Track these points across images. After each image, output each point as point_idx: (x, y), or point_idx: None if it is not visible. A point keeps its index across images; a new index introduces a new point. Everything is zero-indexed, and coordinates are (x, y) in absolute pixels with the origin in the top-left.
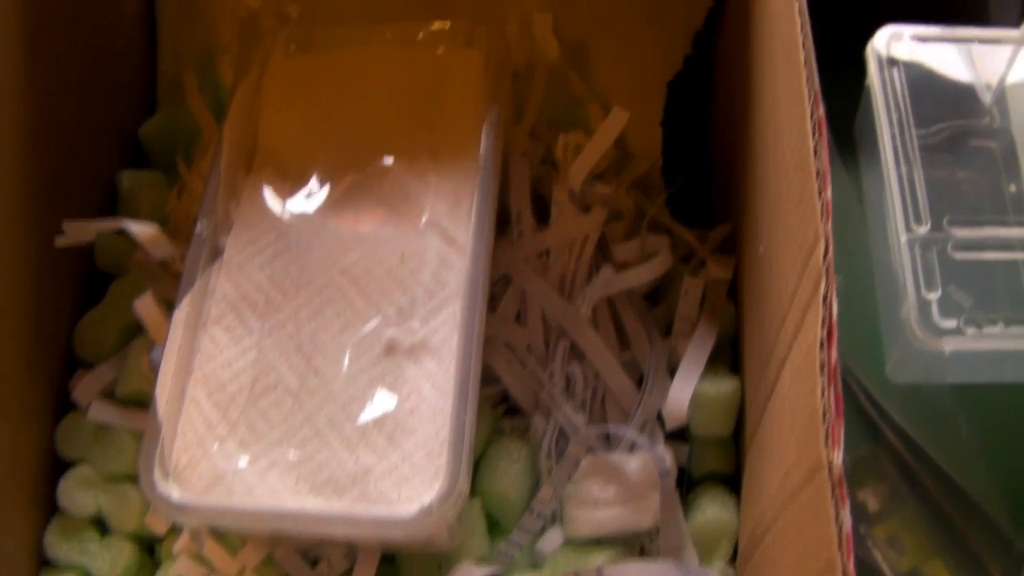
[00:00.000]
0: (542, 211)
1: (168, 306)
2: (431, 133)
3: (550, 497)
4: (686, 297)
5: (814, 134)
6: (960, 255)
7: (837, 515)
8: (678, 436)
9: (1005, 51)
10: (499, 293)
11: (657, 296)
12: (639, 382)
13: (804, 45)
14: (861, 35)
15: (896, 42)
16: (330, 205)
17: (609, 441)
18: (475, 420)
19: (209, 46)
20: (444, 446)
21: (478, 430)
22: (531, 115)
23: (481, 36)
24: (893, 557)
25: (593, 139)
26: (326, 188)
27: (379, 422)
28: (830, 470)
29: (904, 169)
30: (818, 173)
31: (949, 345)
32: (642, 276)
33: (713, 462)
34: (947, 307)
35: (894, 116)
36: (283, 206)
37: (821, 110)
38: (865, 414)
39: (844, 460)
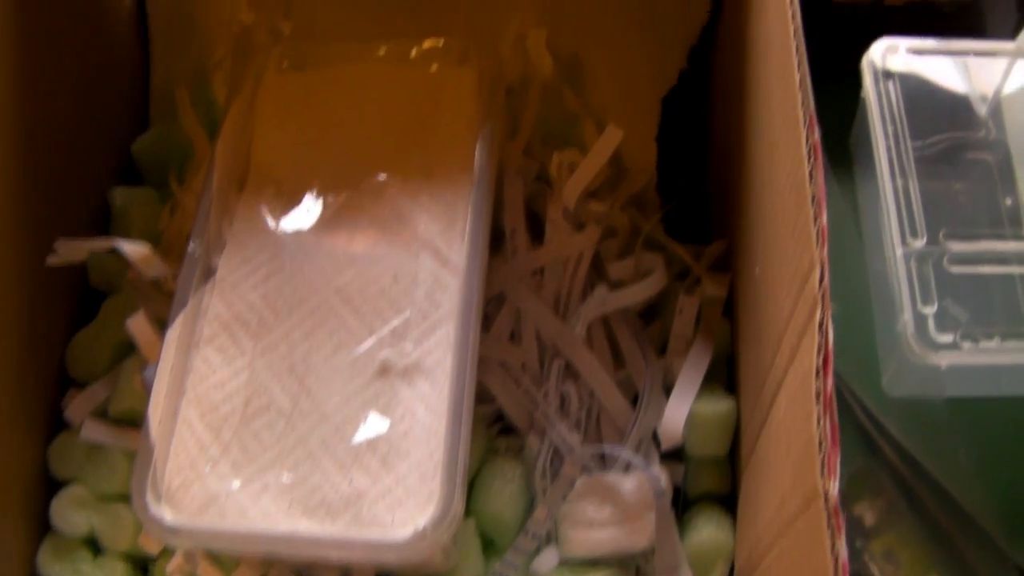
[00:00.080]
0: (536, 228)
1: (161, 324)
2: (425, 151)
3: (545, 517)
4: (681, 315)
5: (809, 159)
6: (956, 269)
7: (833, 545)
8: (673, 455)
9: (1001, 63)
10: (493, 311)
11: (652, 313)
12: (634, 401)
13: (799, 67)
14: (857, 47)
15: (892, 55)
16: (323, 224)
17: (604, 461)
18: (469, 442)
19: (202, 62)
20: (438, 469)
21: (472, 450)
22: (525, 131)
23: (475, 53)
24: (890, 571)
25: (587, 157)
26: (319, 207)
27: (372, 444)
28: (826, 499)
29: (900, 182)
30: (813, 199)
31: (945, 360)
32: (637, 295)
33: (709, 482)
34: (943, 321)
35: (890, 129)
36: (276, 225)
37: (816, 134)
38: (861, 428)
39: (840, 475)
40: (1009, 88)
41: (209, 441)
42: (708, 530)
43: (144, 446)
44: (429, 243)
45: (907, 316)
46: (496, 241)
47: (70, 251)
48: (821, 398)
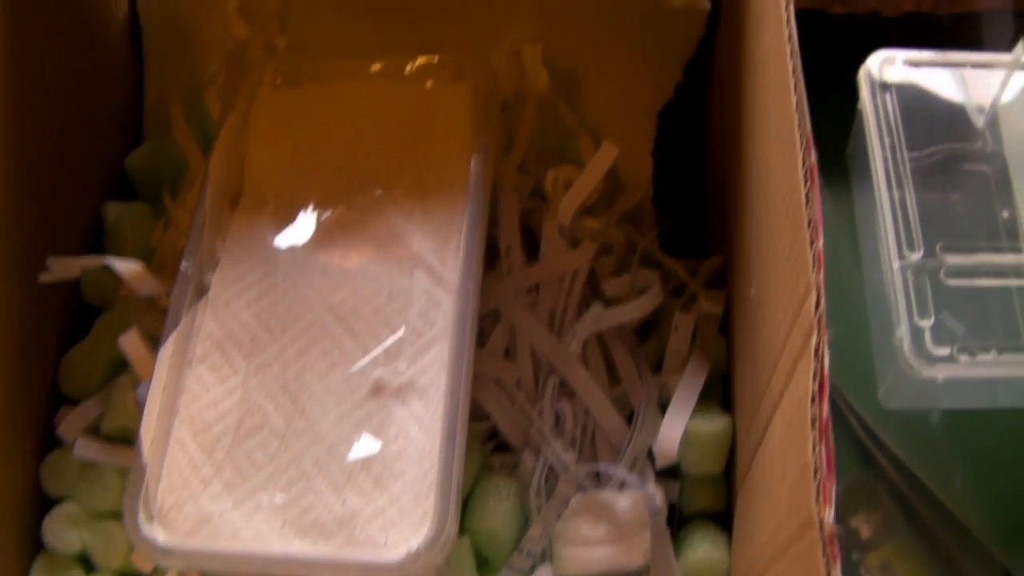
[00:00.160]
0: (532, 244)
1: (154, 341)
2: (419, 168)
3: (539, 535)
4: (677, 333)
5: (806, 182)
6: (953, 282)
7: (828, 574)
8: (669, 472)
9: (998, 75)
10: (488, 328)
11: (648, 329)
12: (629, 418)
13: (796, 89)
14: (854, 59)
15: (888, 66)
16: (317, 242)
17: (599, 478)
18: (463, 462)
19: (196, 77)
20: (432, 489)
21: (467, 467)
22: (521, 147)
23: (470, 69)
24: None
25: (583, 174)
26: (313, 224)
27: (366, 464)
28: (821, 528)
29: (896, 194)
30: (810, 222)
31: (942, 373)
32: (632, 313)
33: (704, 500)
34: (940, 335)
35: (886, 140)
36: (269, 242)
37: (813, 157)
38: (857, 440)
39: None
40: (1006, 100)
41: (202, 461)
42: (704, 548)
43: (136, 466)
44: (423, 261)
45: (904, 329)
46: (491, 257)
47: (62, 268)
48: (817, 425)
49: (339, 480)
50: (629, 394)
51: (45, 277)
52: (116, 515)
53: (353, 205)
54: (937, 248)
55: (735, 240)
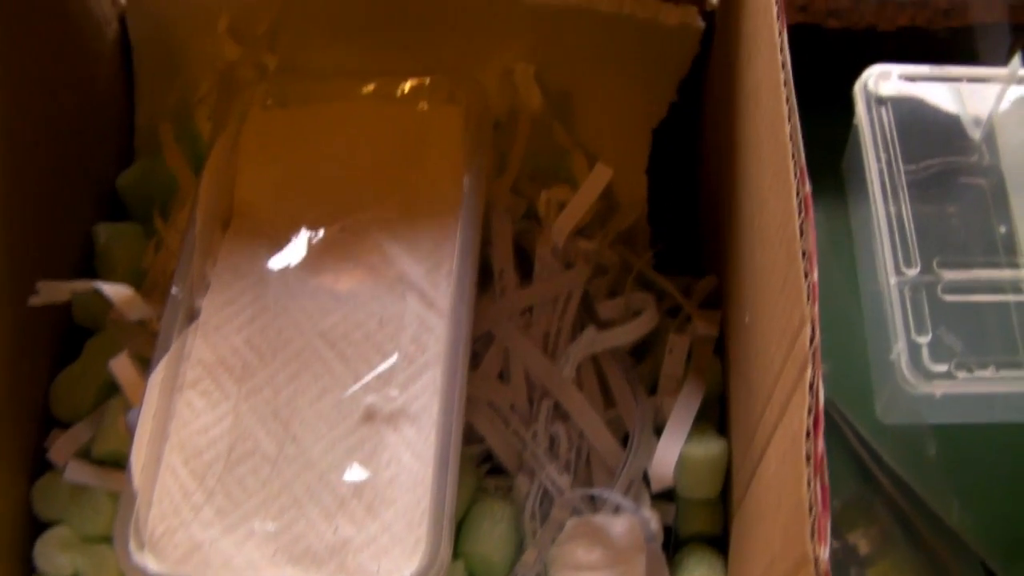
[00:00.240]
0: (525, 265)
1: (145, 364)
2: (411, 191)
3: (534, 560)
4: (671, 355)
5: (800, 212)
6: (950, 297)
7: None
8: (665, 495)
9: (994, 89)
10: (482, 350)
11: (643, 350)
12: (624, 440)
13: (790, 118)
14: (850, 73)
15: (884, 81)
16: (308, 265)
17: (594, 502)
18: (456, 489)
19: (187, 97)
20: (424, 516)
21: (461, 490)
22: (514, 167)
23: (461, 91)
24: None
25: (576, 195)
26: (304, 247)
27: (358, 491)
28: (816, 565)
29: (893, 208)
30: (804, 254)
31: (940, 389)
32: (627, 336)
33: (700, 523)
34: (938, 351)
35: (883, 155)
36: (260, 266)
37: (807, 187)
38: (855, 455)
39: (834, 503)
40: (1002, 113)
41: (193, 487)
42: (700, 572)
43: (127, 493)
44: (415, 285)
45: (901, 345)
46: (484, 278)
47: (52, 292)
48: (812, 461)
49: (331, 507)
50: (624, 416)
51: (34, 300)
52: (108, 539)
53: (344, 228)
54: (934, 263)
55: (729, 264)
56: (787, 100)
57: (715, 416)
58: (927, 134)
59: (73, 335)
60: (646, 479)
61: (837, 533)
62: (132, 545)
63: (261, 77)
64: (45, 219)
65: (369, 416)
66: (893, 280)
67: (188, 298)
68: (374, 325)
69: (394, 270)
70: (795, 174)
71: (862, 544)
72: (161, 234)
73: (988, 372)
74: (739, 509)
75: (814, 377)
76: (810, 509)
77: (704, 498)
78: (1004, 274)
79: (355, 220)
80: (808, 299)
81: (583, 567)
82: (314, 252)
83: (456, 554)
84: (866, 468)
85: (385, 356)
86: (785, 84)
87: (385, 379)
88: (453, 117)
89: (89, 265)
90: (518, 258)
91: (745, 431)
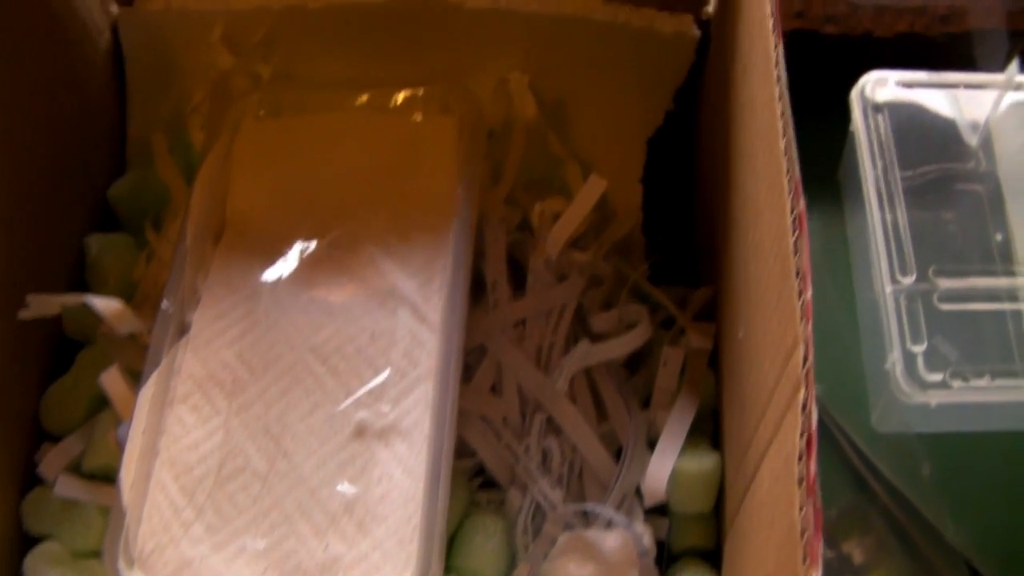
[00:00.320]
0: (519, 277)
1: (136, 376)
2: (404, 204)
3: (527, 575)
4: (665, 367)
5: (794, 230)
6: (946, 306)
7: None
8: (658, 509)
9: (991, 95)
10: (474, 363)
11: (636, 362)
12: (617, 454)
13: (784, 133)
14: (846, 79)
15: (881, 87)
16: (299, 279)
17: (587, 516)
18: (447, 505)
19: (180, 107)
20: (415, 533)
21: (453, 504)
22: (508, 178)
23: (455, 101)
24: None
25: (570, 208)
26: (295, 260)
27: (349, 508)
28: None
29: (889, 216)
30: (798, 273)
31: (935, 398)
32: (620, 349)
33: (693, 538)
34: (933, 360)
35: (879, 162)
36: (251, 279)
37: (802, 204)
38: (850, 464)
39: (829, 512)
40: (999, 119)
41: (183, 504)
42: None
43: (116, 509)
44: (407, 299)
45: (896, 355)
46: (477, 290)
47: (42, 305)
48: (804, 484)
49: (322, 524)
50: (617, 430)
51: (24, 314)
52: (98, 554)
53: (336, 241)
54: (930, 272)
55: (724, 276)
56: (782, 115)
57: (709, 429)
58: (924, 140)
59: (64, 347)
60: (639, 493)
61: (832, 542)
62: (122, 562)
63: (255, 87)
64: (37, 229)
65: (360, 432)
66: (889, 289)
67: (179, 312)
68: (366, 339)
69: (386, 284)
70: (789, 191)
71: (857, 553)
72: (153, 245)
73: (983, 381)
74: (732, 525)
75: (807, 399)
76: (802, 533)
77: (697, 513)
78: (1000, 282)
79: (348, 232)
80: (802, 319)
81: None
82: (306, 265)
83: (448, 568)
84: (861, 477)
85: (377, 371)
86: (780, 99)
87: (376, 394)
88: (447, 128)
89: (81, 276)
90: (511, 269)
91: (739, 446)
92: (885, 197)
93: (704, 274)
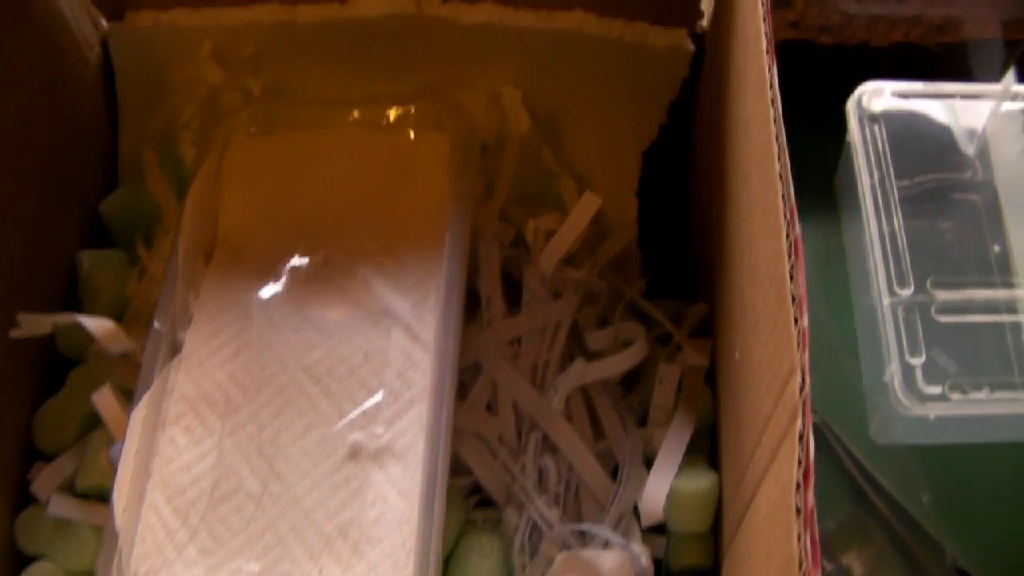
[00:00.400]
0: (513, 293)
1: (128, 395)
2: (396, 221)
3: None
4: (662, 385)
5: (790, 256)
6: (944, 318)
7: None
8: (655, 527)
9: (987, 105)
10: (469, 381)
11: (633, 378)
12: (614, 472)
13: (780, 156)
14: (843, 88)
15: (877, 97)
16: (292, 297)
17: (584, 536)
18: (442, 527)
19: (171, 122)
20: (410, 556)
21: (449, 522)
22: (502, 193)
23: (447, 118)
24: None
25: (564, 224)
26: (287, 279)
27: (343, 530)
28: None
29: (886, 226)
30: (794, 299)
31: (934, 411)
32: (616, 367)
33: (691, 557)
34: (931, 372)
35: (875, 173)
36: (243, 298)
37: (797, 229)
38: (849, 476)
39: (828, 524)
40: (996, 129)
41: (176, 526)
42: None
43: (109, 532)
44: (400, 319)
45: (894, 367)
46: (472, 306)
47: (33, 325)
48: (801, 515)
49: (316, 547)
50: (613, 448)
51: (16, 333)
52: (92, 574)
53: (328, 260)
54: (928, 284)
55: (719, 294)
56: (777, 138)
57: (706, 447)
58: (920, 150)
59: (56, 365)
60: (636, 512)
61: (831, 555)
62: None
63: (245, 102)
64: (29, 245)
65: (354, 454)
66: (887, 301)
67: (170, 332)
68: (359, 360)
69: (379, 304)
70: (785, 215)
71: (856, 566)
72: (144, 262)
73: (982, 394)
74: (730, 547)
75: (804, 428)
76: (800, 564)
77: (695, 532)
78: (998, 294)
79: (340, 250)
80: (798, 346)
81: None
82: (298, 284)
83: None
84: (860, 489)
85: (370, 392)
86: (775, 121)
87: (370, 416)
88: (439, 144)
89: (73, 292)
90: (506, 286)
91: (736, 467)
92: (882, 207)
93: (700, 287)
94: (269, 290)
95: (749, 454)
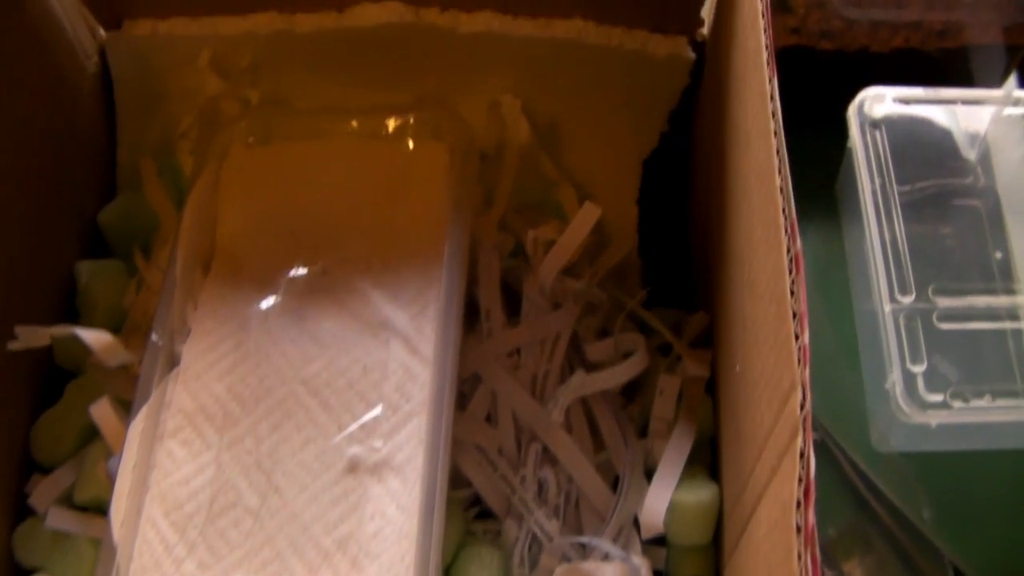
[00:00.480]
0: (513, 303)
1: (126, 407)
2: (395, 232)
3: None
4: (662, 396)
5: (791, 271)
6: (946, 325)
7: None
8: (656, 539)
9: (988, 111)
10: (469, 392)
11: (633, 389)
12: (614, 484)
13: (780, 171)
14: (844, 94)
15: (878, 103)
16: (290, 309)
17: (584, 547)
18: (441, 541)
19: (168, 132)
20: (409, 570)
21: (449, 534)
22: (501, 202)
23: (446, 127)
24: None
25: (564, 235)
26: (285, 291)
27: (342, 545)
28: None
29: (887, 233)
30: (795, 315)
31: (935, 419)
32: (616, 378)
33: (691, 568)
34: (933, 380)
35: (876, 179)
36: (241, 310)
37: (799, 244)
38: (850, 483)
39: (829, 531)
40: (997, 134)
41: (174, 540)
42: None
43: (106, 545)
44: (399, 331)
45: (896, 375)
46: (471, 316)
47: (31, 337)
48: (802, 533)
49: (314, 561)
50: (614, 459)
51: (13, 345)
52: None
53: (327, 270)
54: (929, 290)
55: (719, 306)
56: (778, 151)
57: (707, 459)
58: (921, 156)
59: (54, 377)
60: (637, 524)
61: (832, 562)
62: None
63: (243, 111)
64: (26, 254)
65: (353, 467)
66: (888, 308)
67: (168, 344)
68: (357, 372)
69: (378, 315)
70: (786, 230)
71: (857, 573)
72: (142, 273)
73: (984, 401)
74: (730, 561)
75: (804, 445)
76: None
77: (696, 544)
78: (1000, 301)
79: (339, 261)
80: (799, 362)
81: None
82: (296, 295)
83: None
84: (861, 497)
85: (369, 405)
86: (776, 134)
87: (369, 429)
88: (438, 154)
89: (72, 302)
90: (505, 296)
91: (736, 480)
92: (883, 213)
93: (700, 295)
94: (267, 301)
95: (750, 468)
